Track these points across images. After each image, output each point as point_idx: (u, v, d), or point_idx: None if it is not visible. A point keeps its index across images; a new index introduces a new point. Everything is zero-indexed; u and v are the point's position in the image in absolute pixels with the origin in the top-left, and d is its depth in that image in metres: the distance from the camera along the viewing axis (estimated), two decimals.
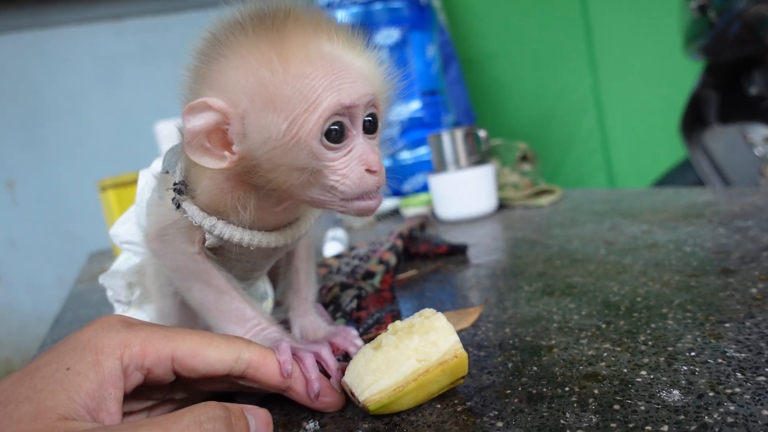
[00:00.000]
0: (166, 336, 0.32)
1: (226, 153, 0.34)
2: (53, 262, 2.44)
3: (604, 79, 2.03)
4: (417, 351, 0.34)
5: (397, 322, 0.37)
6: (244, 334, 0.41)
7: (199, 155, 0.34)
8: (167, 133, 1.15)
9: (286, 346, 0.36)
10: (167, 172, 0.40)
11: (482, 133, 1.10)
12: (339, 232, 0.95)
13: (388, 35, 1.44)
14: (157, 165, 0.45)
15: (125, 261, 0.51)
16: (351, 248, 0.84)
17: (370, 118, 0.35)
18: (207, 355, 0.33)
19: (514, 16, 2.09)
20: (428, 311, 0.37)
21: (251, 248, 0.40)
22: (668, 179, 1.89)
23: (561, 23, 2.03)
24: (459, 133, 1.06)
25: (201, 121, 0.33)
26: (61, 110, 2.47)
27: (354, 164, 0.35)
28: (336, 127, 0.33)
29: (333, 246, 0.89)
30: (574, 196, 1.15)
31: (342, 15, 1.45)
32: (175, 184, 0.38)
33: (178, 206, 0.38)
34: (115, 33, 2.52)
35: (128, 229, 0.50)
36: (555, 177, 2.04)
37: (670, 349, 0.37)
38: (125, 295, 0.50)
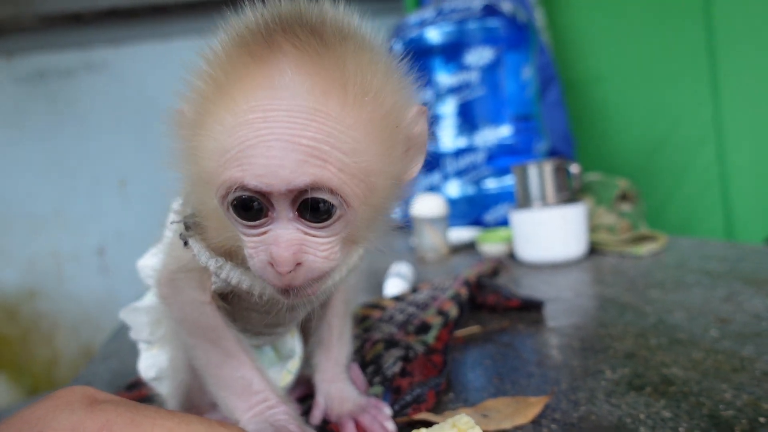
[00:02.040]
0: (132, 421, 0.27)
1: None
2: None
3: (727, 108, 1.79)
4: None
5: (423, 431, 0.29)
6: (246, 410, 0.35)
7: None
8: None
9: None
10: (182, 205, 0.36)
11: (574, 169, 0.98)
12: (404, 268, 0.88)
13: (482, 56, 1.36)
14: None
15: (151, 296, 0.47)
16: (413, 289, 0.76)
17: (320, 204, 0.27)
18: None
19: (626, 35, 1.92)
20: (464, 420, 0.29)
21: (264, 298, 0.34)
22: None
23: (680, 43, 1.83)
24: (548, 166, 0.95)
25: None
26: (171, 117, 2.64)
27: (261, 249, 0.27)
28: (253, 203, 0.26)
29: (394, 283, 0.82)
30: (682, 246, 0.99)
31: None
32: (184, 217, 0.34)
33: (185, 243, 0.34)
34: None
35: (155, 263, 0.46)
36: (660, 216, 1.83)
37: None
38: (147, 333, 0.46)
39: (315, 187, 0.26)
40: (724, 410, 0.38)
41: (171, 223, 0.35)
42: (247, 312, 0.38)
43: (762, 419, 0.36)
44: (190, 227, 0.34)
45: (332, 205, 0.27)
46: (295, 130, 0.24)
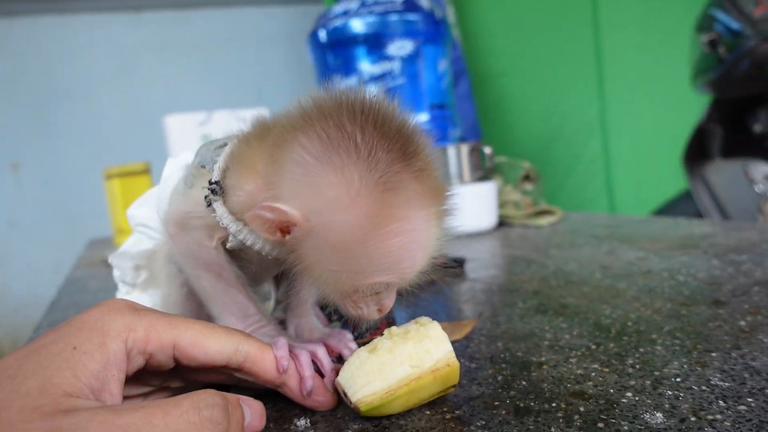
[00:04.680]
0: (169, 323, 0.33)
1: (279, 234, 0.34)
2: (53, 246, 2.44)
3: (611, 105, 2.04)
4: (411, 357, 0.35)
5: (393, 328, 0.38)
6: (244, 329, 0.42)
7: (255, 224, 0.34)
8: (176, 128, 1.16)
9: (283, 342, 0.37)
10: (203, 167, 0.41)
11: (487, 150, 1.11)
12: None
13: (402, 47, 1.46)
14: (186, 156, 0.46)
15: (135, 244, 0.52)
16: None
17: None
18: (207, 345, 0.34)
19: (525, 36, 2.11)
20: (424, 319, 0.38)
21: (270, 257, 0.41)
22: (669, 209, 1.91)
23: (572, 46, 2.05)
24: (464, 148, 1.08)
25: (273, 215, 0.33)
26: (73, 96, 2.47)
27: (372, 303, 0.38)
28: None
29: None
30: (574, 218, 1.16)
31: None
32: (211, 183, 0.39)
33: (209, 204, 0.38)
34: (133, 24, 2.54)
35: (145, 212, 0.51)
36: (556, 198, 2.05)
37: (656, 373, 0.38)
38: (131, 277, 0.51)
39: None
40: (604, 320, 0.50)
41: (203, 187, 0.39)
42: (239, 261, 0.44)
43: (630, 323, 0.49)
44: (217, 192, 0.38)
45: None
46: (422, 248, 0.35)
